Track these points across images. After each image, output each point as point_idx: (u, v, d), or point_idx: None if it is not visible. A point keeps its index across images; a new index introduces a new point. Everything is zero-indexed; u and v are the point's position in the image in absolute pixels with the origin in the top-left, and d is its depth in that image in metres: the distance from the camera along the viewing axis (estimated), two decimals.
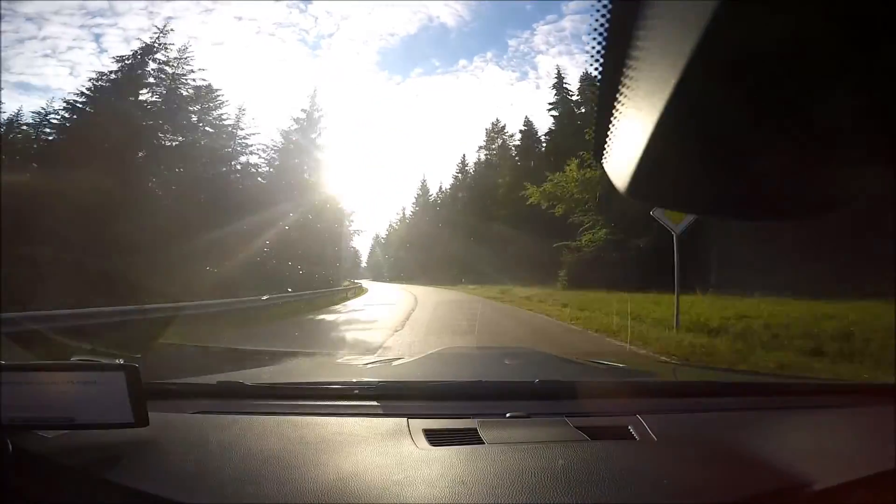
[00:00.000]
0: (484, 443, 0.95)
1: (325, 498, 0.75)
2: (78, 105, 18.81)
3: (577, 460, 0.85)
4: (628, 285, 13.45)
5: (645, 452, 0.94)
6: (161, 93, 20.53)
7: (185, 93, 21.44)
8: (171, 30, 21.07)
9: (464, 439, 0.97)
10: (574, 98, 35.77)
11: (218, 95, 22.85)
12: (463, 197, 47.51)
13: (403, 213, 70.03)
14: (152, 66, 20.43)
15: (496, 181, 39.87)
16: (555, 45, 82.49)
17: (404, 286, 38.30)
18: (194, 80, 21.62)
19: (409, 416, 1.06)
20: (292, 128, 31.61)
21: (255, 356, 5.99)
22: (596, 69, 0.46)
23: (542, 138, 39.67)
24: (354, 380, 1.55)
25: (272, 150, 27.86)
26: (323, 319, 11.49)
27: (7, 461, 0.80)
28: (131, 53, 20.23)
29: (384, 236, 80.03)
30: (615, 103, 0.47)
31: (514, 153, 43.17)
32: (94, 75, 19.38)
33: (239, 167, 24.35)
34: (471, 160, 50.89)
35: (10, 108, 23.55)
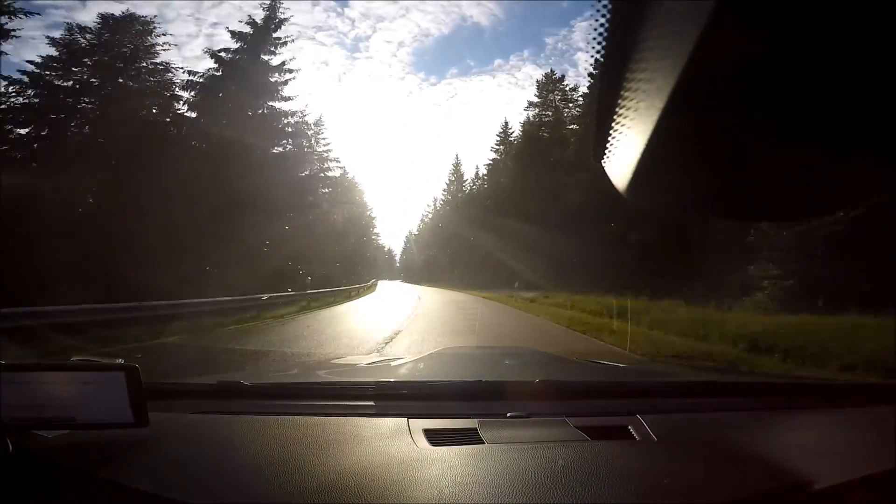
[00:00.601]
0: (484, 443, 0.95)
1: (325, 498, 0.75)
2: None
3: (578, 460, 0.85)
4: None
5: (645, 452, 0.94)
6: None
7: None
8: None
9: (464, 439, 0.97)
10: None
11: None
12: (508, 184, 35.56)
13: (435, 205, 61.17)
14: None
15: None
16: None
17: (432, 291, 30.94)
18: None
19: (409, 416, 1.06)
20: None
21: (255, 356, 6.00)
22: (595, 69, 0.46)
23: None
24: (354, 380, 1.55)
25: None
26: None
27: (7, 461, 0.80)
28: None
29: (417, 233, 73.92)
30: (615, 103, 0.47)
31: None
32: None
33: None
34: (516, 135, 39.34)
35: None
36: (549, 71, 41.53)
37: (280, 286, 14.50)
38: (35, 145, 14.90)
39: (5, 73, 14.41)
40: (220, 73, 19.48)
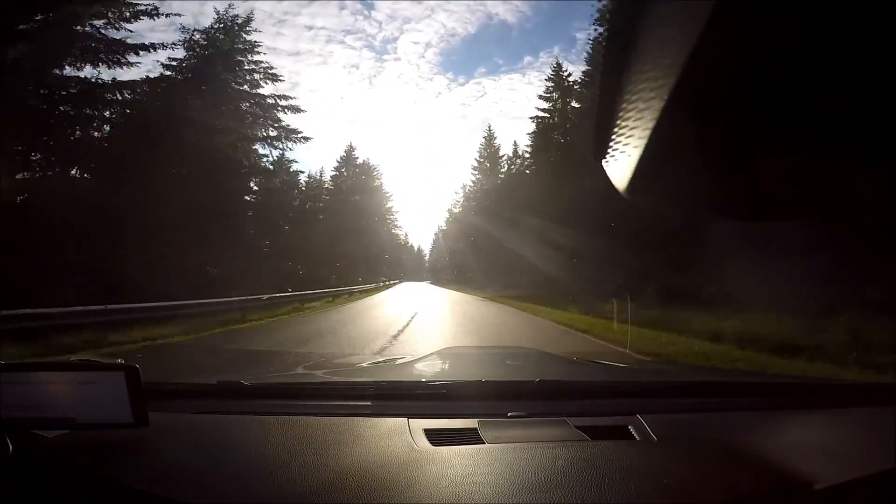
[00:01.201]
0: (484, 442, 0.95)
1: (325, 498, 0.75)
2: None
3: (578, 460, 0.85)
4: None
5: (645, 452, 0.94)
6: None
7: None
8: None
9: (464, 439, 0.97)
10: None
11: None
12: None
13: (464, 191, 46.40)
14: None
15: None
16: None
17: (448, 300, 20.30)
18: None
19: (410, 416, 1.06)
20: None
21: (256, 356, 6.01)
22: (596, 69, 0.46)
23: None
24: (355, 380, 1.55)
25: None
26: None
27: (7, 461, 0.80)
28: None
29: (445, 227, 61.23)
30: (615, 104, 0.47)
31: None
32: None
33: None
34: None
35: None
36: (556, 65, 32.52)
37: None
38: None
39: None
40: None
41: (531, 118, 29.86)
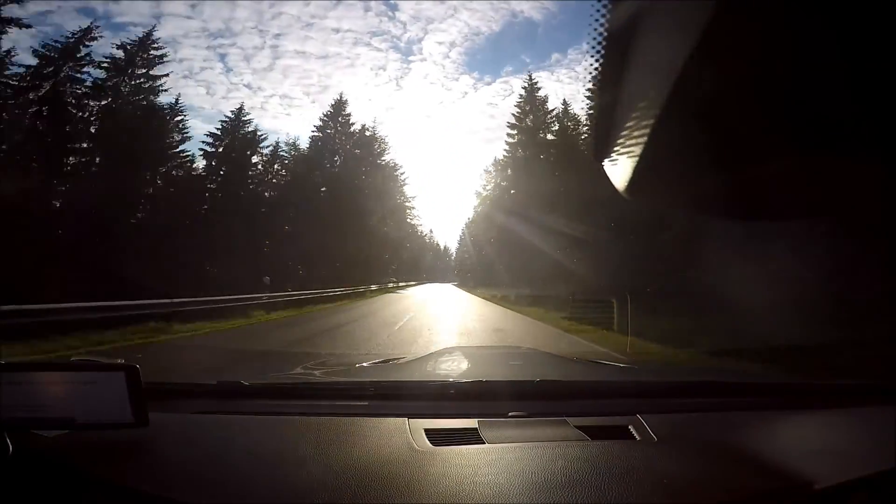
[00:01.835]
0: (485, 442, 0.95)
1: (325, 497, 0.75)
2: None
3: (578, 460, 0.85)
4: None
5: (645, 452, 0.94)
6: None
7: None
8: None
9: (465, 439, 0.97)
10: None
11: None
12: None
13: (496, 167, 33.85)
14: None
15: None
16: None
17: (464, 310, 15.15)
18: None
19: (410, 416, 1.06)
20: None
21: (256, 356, 6.00)
22: (595, 69, 0.46)
23: None
24: (354, 380, 1.55)
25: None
26: None
27: (7, 461, 0.80)
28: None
29: (472, 218, 48.89)
30: (615, 104, 0.47)
31: None
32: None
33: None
34: None
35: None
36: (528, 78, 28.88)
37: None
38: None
39: None
40: None
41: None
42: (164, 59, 21.24)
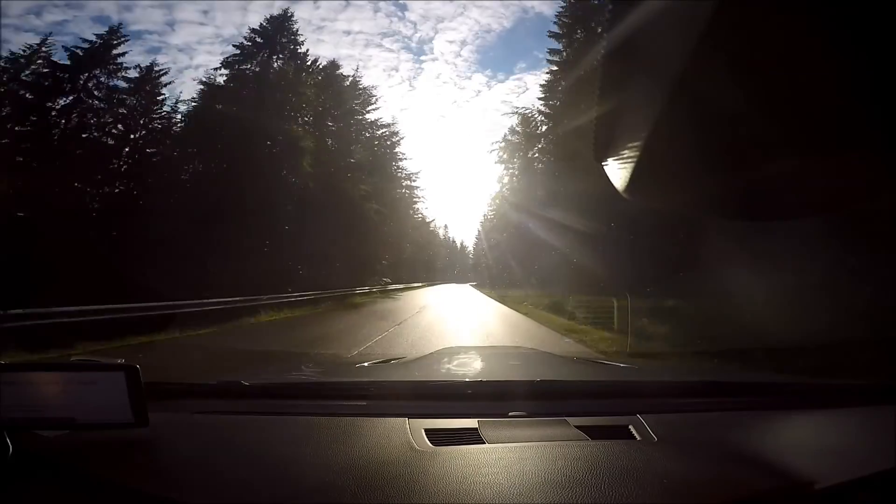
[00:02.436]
0: (485, 442, 0.95)
1: (325, 497, 0.75)
2: None
3: (578, 460, 0.85)
4: None
5: (645, 452, 0.94)
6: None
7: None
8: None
9: (465, 439, 0.97)
10: None
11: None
12: None
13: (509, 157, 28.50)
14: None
15: None
16: None
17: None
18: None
19: (410, 416, 1.06)
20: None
21: (256, 357, 6.01)
22: (596, 69, 0.46)
23: None
24: (355, 380, 1.55)
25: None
26: None
27: (7, 461, 0.80)
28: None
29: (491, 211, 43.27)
30: (615, 104, 0.47)
31: None
32: None
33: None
34: None
35: None
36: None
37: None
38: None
39: None
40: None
41: None
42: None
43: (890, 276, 6.52)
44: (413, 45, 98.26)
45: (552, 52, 25.63)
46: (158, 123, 20.68)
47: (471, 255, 78.39)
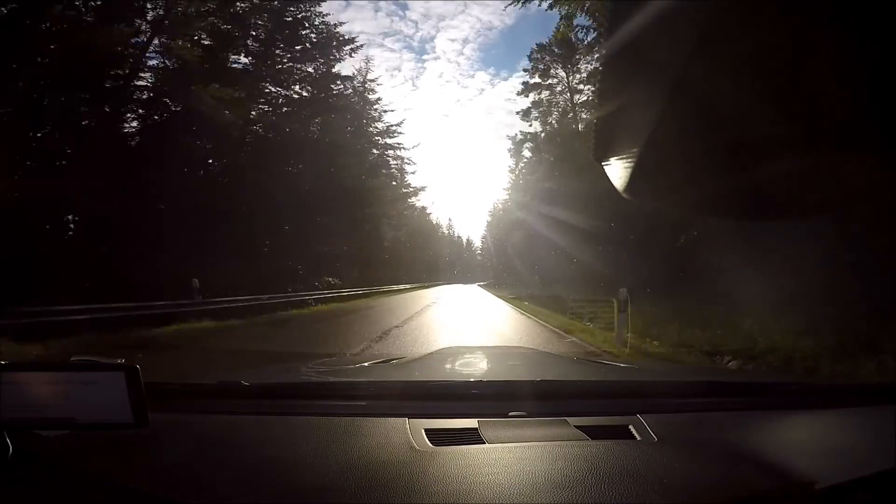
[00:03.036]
0: (485, 442, 0.95)
1: (325, 498, 0.75)
2: None
3: (578, 460, 0.85)
4: None
5: (645, 452, 0.94)
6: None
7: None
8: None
9: (464, 439, 0.97)
10: None
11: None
12: None
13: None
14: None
15: None
16: None
17: None
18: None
19: (410, 416, 1.06)
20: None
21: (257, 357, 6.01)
22: (596, 69, 0.46)
23: None
24: (354, 380, 1.55)
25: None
26: None
27: (7, 461, 0.80)
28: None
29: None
30: (616, 104, 0.47)
31: None
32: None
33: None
34: None
35: None
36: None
37: None
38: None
39: None
40: None
41: None
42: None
43: (890, 276, 6.52)
44: (415, 44, 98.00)
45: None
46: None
47: (479, 252, 74.95)
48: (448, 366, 2.03)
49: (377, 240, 28.22)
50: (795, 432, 1.07)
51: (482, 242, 59.75)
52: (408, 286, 35.63)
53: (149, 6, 13.60)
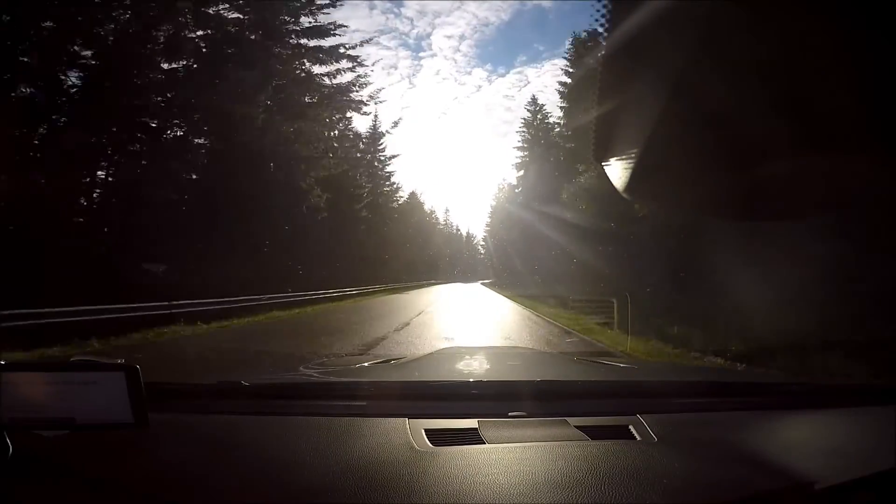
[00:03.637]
0: (485, 443, 0.95)
1: (325, 498, 0.75)
2: None
3: (578, 460, 0.85)
4: None
5: (645, 452, 0.94)
6: None
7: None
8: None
9: (465, 439, 0.97)
10: None
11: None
12: None
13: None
14: None
15: None
16: None
17: None
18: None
19: (410, 416, 1.06)
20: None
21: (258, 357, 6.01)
22: (596, 70, 0.46)
23: None
24: (354, 380, 1.55)
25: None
26: None
27: (7, 461, 0.80)
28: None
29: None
30: (615, 105, 0.47)
31: None
32: None
33: None
34: None
35: None
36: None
37: None
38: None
39: None
40: None
41: None
42: None
43: (890, 276, 6.52)
44: (411, 41, 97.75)
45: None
46: None
47: (481, 243, 69.10)
48: (448, 366, 2.03)
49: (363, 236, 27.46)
50: (795, 432, 1.07)
51: (485, 235, 54.39)
52: (399, 286, 33.35)
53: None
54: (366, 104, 22.51)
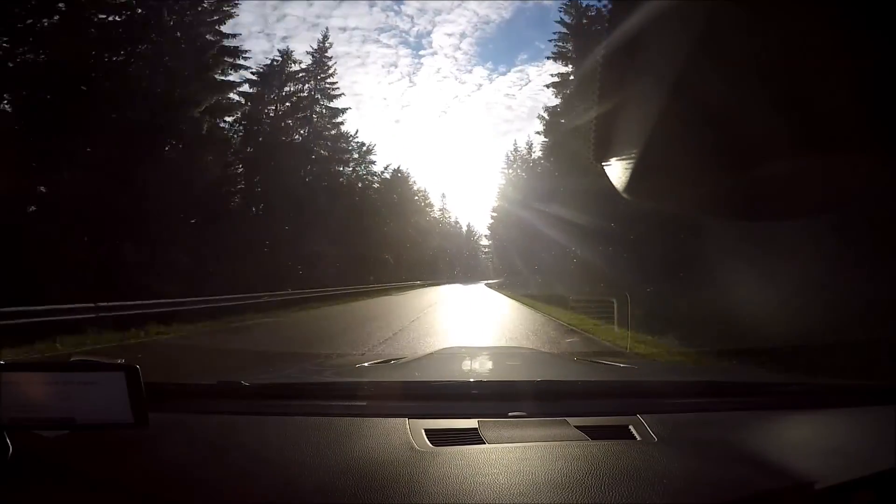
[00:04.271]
0: (485, 443, 0.95)
1: (325, 498, 0.75)
2: None
3: (578, 460, 0.85)
4: None
5: (645, 452, 0.94)
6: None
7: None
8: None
9: (465, 439, 0.97)
10: None
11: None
12: None
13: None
14: None
15: None
16: None
17: None
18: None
19: (410, 416, 1.06)
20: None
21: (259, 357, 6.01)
22: (596, 70, 0.46)
23: None
24: (354, 380, 1.55)
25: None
26: None
27: (7, 461, 0.80)
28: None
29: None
30: (615, 104, 0.47)
31: None
32: None
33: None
34: None
35: None
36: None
37: None
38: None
39: None
40: None
41: None
42: None
43: (890, 276, 6.51)
44: (411, 39, 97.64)
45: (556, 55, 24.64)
46: None
47: (485, 236, 62.57)
48: (448, 366, 2.03)
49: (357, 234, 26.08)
50: (795, 432, 1.07)
51: (493, 216, 49.56)
52: (393, 285, 30.90)
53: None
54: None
